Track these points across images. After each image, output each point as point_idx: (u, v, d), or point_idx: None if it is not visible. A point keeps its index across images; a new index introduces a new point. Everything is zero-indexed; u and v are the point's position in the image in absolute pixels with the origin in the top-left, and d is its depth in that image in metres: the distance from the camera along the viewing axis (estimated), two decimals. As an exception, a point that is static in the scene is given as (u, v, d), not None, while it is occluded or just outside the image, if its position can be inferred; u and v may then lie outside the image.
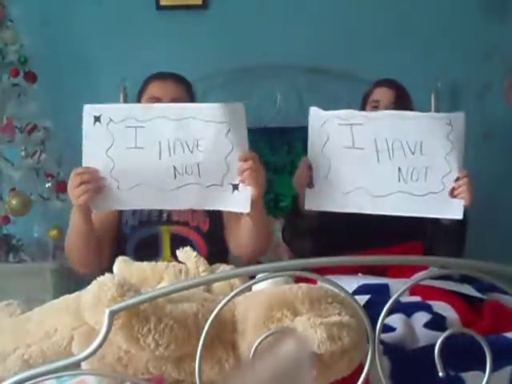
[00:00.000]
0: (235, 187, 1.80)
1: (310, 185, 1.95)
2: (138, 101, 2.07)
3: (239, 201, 1.80)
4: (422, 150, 1.90)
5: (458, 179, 1.89)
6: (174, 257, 1.78)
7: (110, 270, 1.74)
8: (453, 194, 1.89)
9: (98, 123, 1.79)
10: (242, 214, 1.87)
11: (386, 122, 1.93)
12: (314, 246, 2.12)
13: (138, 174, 1.80)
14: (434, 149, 1.90)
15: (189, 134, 1.77)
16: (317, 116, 1.97)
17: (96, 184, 1.78)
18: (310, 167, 1.95)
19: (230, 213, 1.93)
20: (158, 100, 1.99)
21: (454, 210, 1.90)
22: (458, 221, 1.94)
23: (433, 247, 2.14)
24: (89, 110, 1.81)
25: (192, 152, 1.78)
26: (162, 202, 1.85)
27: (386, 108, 2.23)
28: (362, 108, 2.36)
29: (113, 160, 1.79)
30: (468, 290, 1.82)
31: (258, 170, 1.78)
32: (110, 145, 1.79)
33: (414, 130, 1.91)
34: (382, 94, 2.27)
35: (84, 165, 1.80)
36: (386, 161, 1.91)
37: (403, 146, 1.90)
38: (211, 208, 1.86)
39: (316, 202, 1.96)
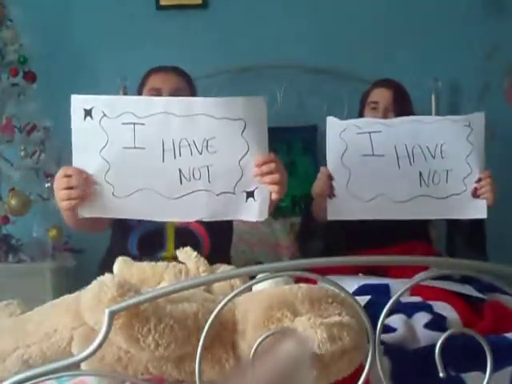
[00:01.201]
0: (250, 195, 1.60)
1: (331, 195, 1.94)
2: (139, 94, 2.05)
3: (254, 209, 1.61)
4: (442, 153, 1.90)
5: (479, 180, 1.90)
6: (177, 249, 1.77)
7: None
8: (475, 194, 1.90)
9: (89, 118, 1.57)
10: None
11: (404, 128, 1.92)
12: (321, 247, 2.13)
13: (138, 179, 1.59)
14: (454, 151, 1.90)
15: (197, 133, 1.57)
16: (334, 125, 1.95)
17: (84, 190, 1.60)
18: (329, 177, 1.95)
19: None
20: (158, 91, 1.97)
21: (477, 210, 1.90)
22: (475, 220, 1.95)
23: (451, 247, 2.15)
24: (78, 102, 1.58)
25: (201, 153, 1.58)
26: (164, 212, 1.63)
27: (386, 109, 2.23)
28: (361, 109, 2.36)
29: (108, 161, 1.59)
30: (468, 290, 1.82)
31: (280, 174, 1.61)
32: (104, 144, 1.58)
33: (433, 134, 1.91)
34: (381, 95, 2.27)
35: (74, 165, 1.61)
36: (407, 166, 1.91)
37: (423, 151, 1.90)
38: (222, 219, 1.66)
39: (338, 211, 1.94)
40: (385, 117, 2.21)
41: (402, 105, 2.24)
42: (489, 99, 2.96)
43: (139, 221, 1.89)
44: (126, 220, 1.90)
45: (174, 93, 1.95)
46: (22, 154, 2.70)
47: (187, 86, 2.04)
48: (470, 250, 2.08)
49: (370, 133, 1.92)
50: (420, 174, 1.91)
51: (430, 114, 2.88)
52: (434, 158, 1.90)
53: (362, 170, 1.92)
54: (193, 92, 2.06)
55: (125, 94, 2.83)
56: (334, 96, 2.87)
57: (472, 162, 1.90)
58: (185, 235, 1.83)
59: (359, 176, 1.92)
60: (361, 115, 2.36)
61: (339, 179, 1.93)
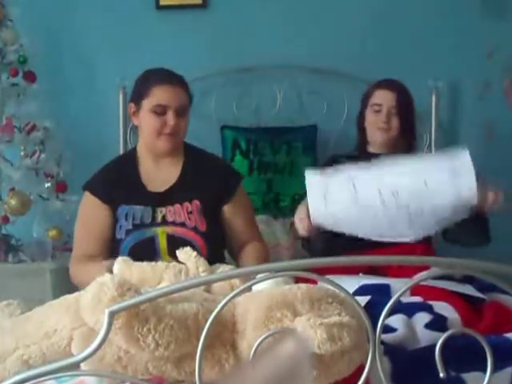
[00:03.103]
0: None
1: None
2: (137, 100, 2.03)
3: None
4: (427, 186, 1.86)
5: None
6: (173, 258, 1.77)
7: None
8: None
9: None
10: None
11: (387, 172, 1.91)
12: (323, 247, 2.13)
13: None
14: (438, 188, 1.86)
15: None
16: (315, 184, 1.95)
17: None
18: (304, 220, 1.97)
19: (232, 219, 2.00)
20: (164, 108, 1.97)
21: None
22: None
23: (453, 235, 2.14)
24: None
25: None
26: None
27: (389, 112, 2.23)
28: (362, 109, 2.35)
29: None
30: (469, 290, 1.81)
31: None
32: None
33: (415, 174, 1.88)
34: (384, 98, 2.26)
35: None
36: (393, 210, 1.88)
37: (409, 192, 1.86)
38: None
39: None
40: (388, 120, 2.22)
41: (406, 108, 2.24)
42: (489, 99, 2.96)
43: (128, 232, 1.96)
44: (114, 236, 1.99)
45: (179, 109, 1.98)
46: (22, 154, 2.70)
47: (188, 98, 2.04)
48: (472, 233, 2.05)
49: (353, 179, 1.90)
50: (409, 214, 1.88)
51: (430, 113, 2.87)
52: (419, 196, 1.87)
53: (346, 217, 1.91)
54: (190, 102, 2.06)
55: (124, 94, 2.82)
56: (334, 96, 2.87)
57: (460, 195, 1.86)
58: (179, 244, 1.83)
59: (344, 223, 1.93)
60: (361, 115, 2.36)
61: (324, 223, 1.95)
